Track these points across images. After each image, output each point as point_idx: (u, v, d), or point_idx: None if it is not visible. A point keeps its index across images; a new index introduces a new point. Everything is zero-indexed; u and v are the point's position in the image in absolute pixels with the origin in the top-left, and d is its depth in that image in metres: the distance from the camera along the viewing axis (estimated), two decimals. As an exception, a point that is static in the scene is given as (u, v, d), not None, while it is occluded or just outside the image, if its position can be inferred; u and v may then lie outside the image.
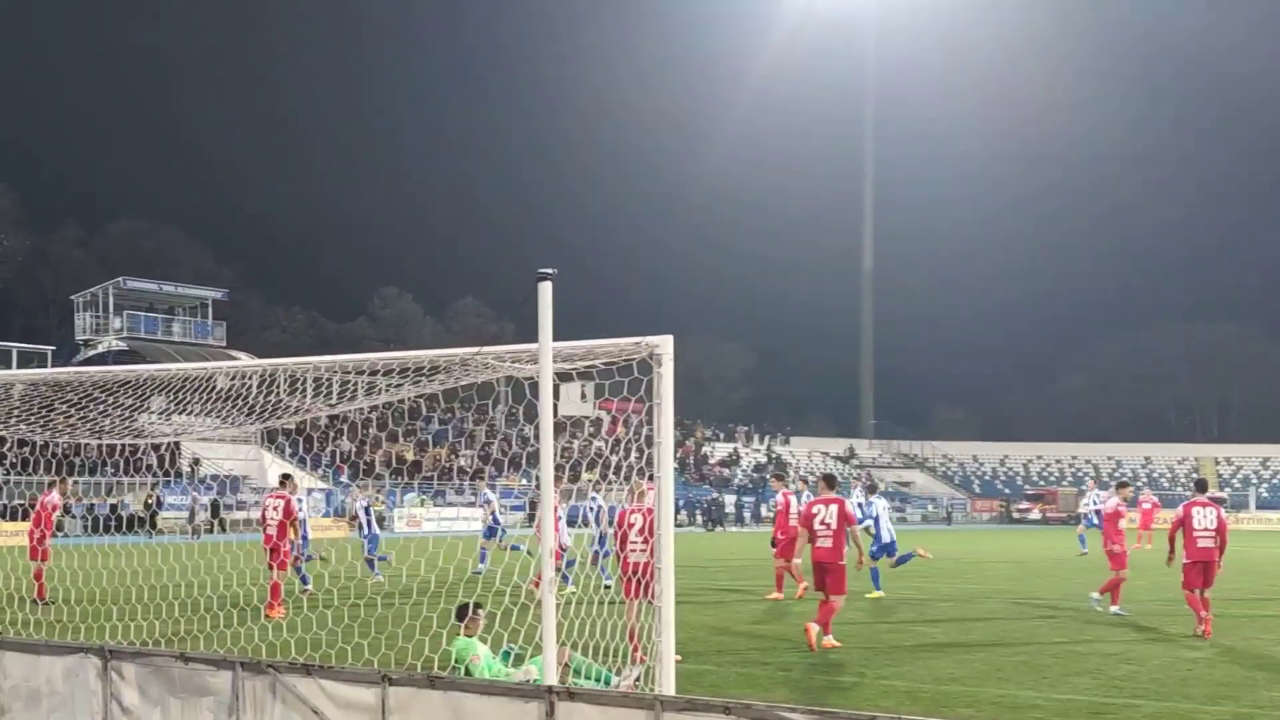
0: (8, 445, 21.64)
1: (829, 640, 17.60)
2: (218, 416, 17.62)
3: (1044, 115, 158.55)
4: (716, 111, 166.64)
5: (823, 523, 17.83)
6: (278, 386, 15.89)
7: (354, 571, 28.16)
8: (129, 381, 15.52)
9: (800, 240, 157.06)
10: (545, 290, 9.91)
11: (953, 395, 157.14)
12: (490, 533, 30.70)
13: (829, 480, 19.33)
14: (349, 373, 14.41)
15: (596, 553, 23.58)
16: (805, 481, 28.25)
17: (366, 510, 29.82)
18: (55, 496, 25.35)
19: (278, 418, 18.49)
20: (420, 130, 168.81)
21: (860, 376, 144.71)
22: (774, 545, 26.79)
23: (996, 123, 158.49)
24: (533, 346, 10.34)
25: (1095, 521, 39.68)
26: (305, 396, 18.83)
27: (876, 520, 25.98)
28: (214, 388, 16.00)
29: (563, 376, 11.79)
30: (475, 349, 11.92)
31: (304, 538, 27.07)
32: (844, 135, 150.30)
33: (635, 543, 14.92)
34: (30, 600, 22.22)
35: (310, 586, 25.19)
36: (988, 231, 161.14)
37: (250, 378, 16.41)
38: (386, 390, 15.48)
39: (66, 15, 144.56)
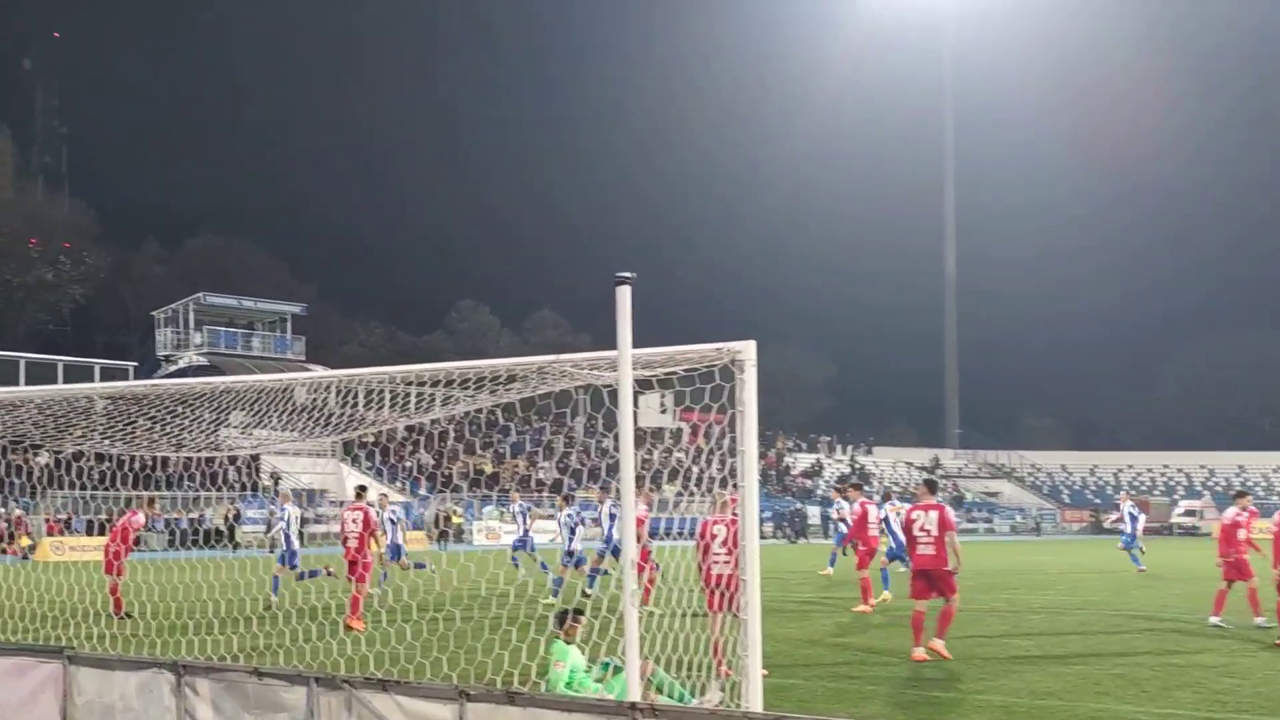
0: (85, 459, 21.68)
1: (919, 653, 17.23)
2: (295, 430, 17.50)
3: (1131, 115, 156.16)
4: (793, 113, 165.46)
5: (922, 529, 17.51)
6: (355, 399, 15.72)
7: (431, 585, 27.99)
8: (205, 394, 15.43)
9: (880, 245, 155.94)
10: (624, 294, 9.65)
11: (1040, 403, 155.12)
12: (521, 544, 32.60)
13: (931, 485, 19.09)
14: (425, 384, 14.20)
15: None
16: (840, 491, 28.98)
17: (392, 523, 29.64)
18: (140, 517, 25.39)
19: (355, 430, 18.35)
20: (497, 142, 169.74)
21: (944, 385, 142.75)
22: (832, 561, 27.26)
23: (1082, 124, 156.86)
24: (612, 353, 10.09)
25: (1128, 534, 39.17)
26: (383, 409, 18.69)
27: (887, 522, 26.98)
28: (291, 400, 15.86)
29: (643, 384, 11.51)
30: (553, 357, 11.68)
31: (293, 551, 26.85)
32: (923, 137, 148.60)
33: (718, 554, 14.57)
34: (106, 615, 22.28)
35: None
36: (1075, 235, 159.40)
37: (328, 389, 16.24)
38: (464, 401, 15.26)
39: (143, 33, 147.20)
